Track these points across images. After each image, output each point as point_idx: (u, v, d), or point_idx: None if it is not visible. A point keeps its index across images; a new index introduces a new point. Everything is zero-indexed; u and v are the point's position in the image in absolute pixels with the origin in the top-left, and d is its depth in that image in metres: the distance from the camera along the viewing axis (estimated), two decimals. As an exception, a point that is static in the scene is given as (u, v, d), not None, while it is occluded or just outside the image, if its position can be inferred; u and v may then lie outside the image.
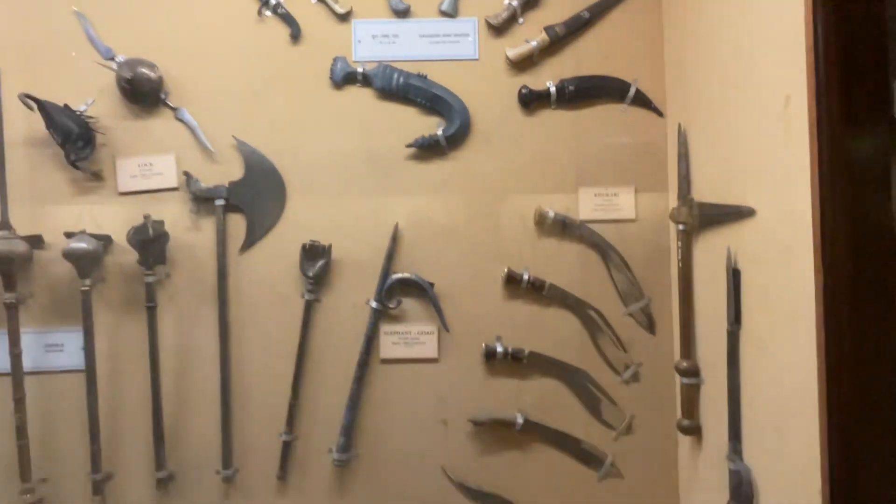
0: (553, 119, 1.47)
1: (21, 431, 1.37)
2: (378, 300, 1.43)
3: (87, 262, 1.36)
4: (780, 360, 1.02)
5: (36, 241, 1.40)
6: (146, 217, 1.36)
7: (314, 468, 1.44)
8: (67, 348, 1.41)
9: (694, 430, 1.32)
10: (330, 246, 1.43)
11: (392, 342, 1.44)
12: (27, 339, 1.38)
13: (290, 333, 1.43)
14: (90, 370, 1.38)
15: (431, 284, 1.44)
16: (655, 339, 1.47)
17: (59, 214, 1.41)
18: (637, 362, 1.46)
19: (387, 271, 1.44)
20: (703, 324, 1.33)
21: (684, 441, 1.41)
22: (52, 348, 1.41)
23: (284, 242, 1.44)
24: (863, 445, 0.93)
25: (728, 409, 1.17)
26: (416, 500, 1.45)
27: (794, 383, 0.96)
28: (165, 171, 1.41)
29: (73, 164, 1.38)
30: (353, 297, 1.44)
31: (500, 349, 1.43)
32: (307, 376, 1.44)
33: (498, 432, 1.45)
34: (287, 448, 1.42)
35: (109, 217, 1.40)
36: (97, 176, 1.41)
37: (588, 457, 1.46)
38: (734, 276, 1.17)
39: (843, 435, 0.92)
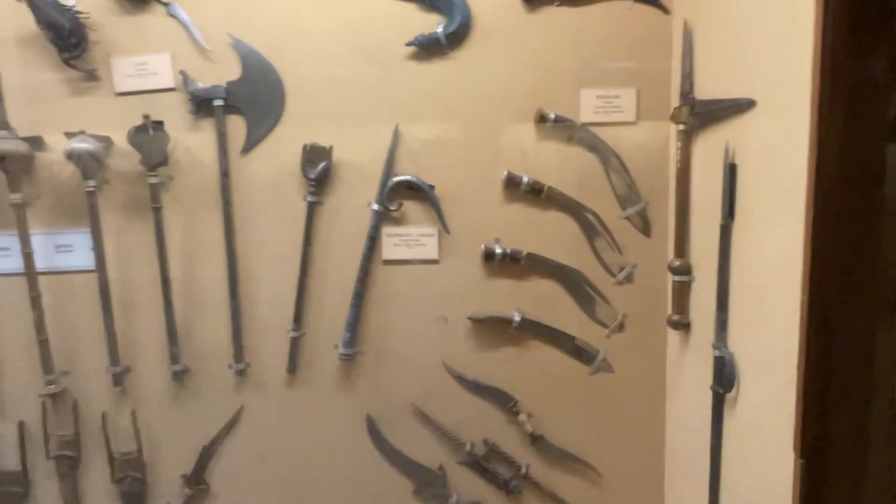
0: (556, 17, 1.43)
1: (40, 327, 1.44)
2: (379, 202, 1.45)
3: (91, 163, 1.37)
4: (769, 251, 1.06)
5: (36, 142, 1.40)
6: (146, 117, 1.36)
7: (321, 363, 1.52)
8: (77, 249, 1.45)
9: (683, 325, 1.39)
10: (331, 147, 1.43)
11: (394, 244, 1.48)
12: (37, 241, 1.42)
13: (294, 235, 1.47)
14: (101, 270, 1.43)
15: (432, 187, 1.46)
16: (650, 241, 1.50)
17: (57, 115, 1.40)
18: (632, 263, 1.51)
19: (388, 174, 1.46)
20: (697, 223, 1.36)
21: (673, 336, 1.49)
22: (62, 249, 1.45)
23: (284, 144, 1.44)
24: (840, 327, 0.99)
25: (716, 301, 1.22)
26: (416, 392, 1.55)
27: (780, 271, 1.00)
28: (161, 71, 1.39)
29: (68, 63, 1.36)
30: (354, 199, 1.46)
31: (498, 250, 1.47)
32: (312, 277, 1.49)
33: (496, 329, 1.52)
34: (295, 343, 1.49)
35: (108, 118, 1.40)
36: (93, 75, 1.39)
37: (581, 352, 1.55)
38: (730, 171, 1.19)
39: (821, 316, 0.97)
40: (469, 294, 1.52)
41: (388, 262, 1.49)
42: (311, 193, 1.44)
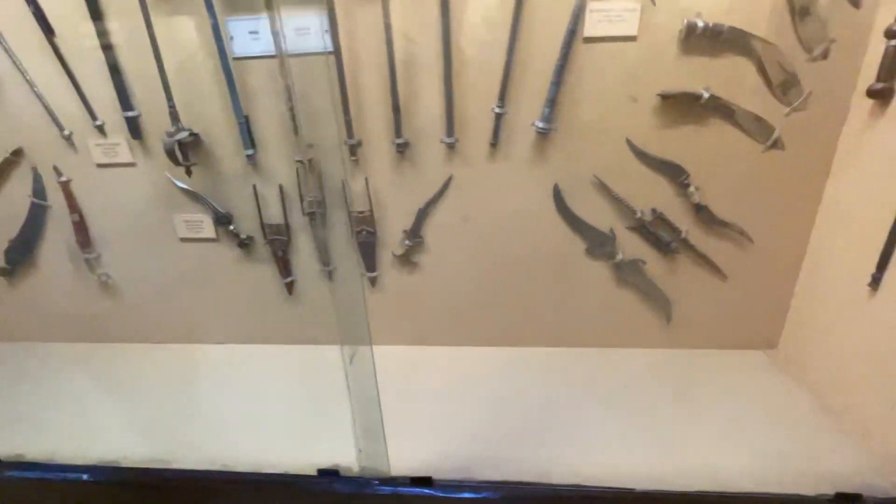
0: None
1: (289, 97, 1.75)
2: (588, -23, 1.52)
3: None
4: None
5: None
6: None
7: (519, 138, 1.76)
8: (313, 31, 1.67)
9: (887, 92, 1.44)
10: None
11: (597, 19, 1.57)
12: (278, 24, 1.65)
13: (504, 16, 1.60)
14: (337, 52, 1.65)
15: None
16: (858, 13, 1.51)
17: None
18: (831, 38, 1.54)
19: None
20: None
21: (860, 111, 1.56)
22: (301, 31, 1.68)
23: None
24: None
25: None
26: (599, 165, 1.78)
27: None
28: None
29: None
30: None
31: (700, 24, 1.53)
32: (518, 55, 1.65)
33: (681, 107, 1.66)
34: (499, 119, 1.73)
35: None
36: None
37: (758, 130, 1.68)
38: None
39: None
40: (661, 72, 1.63)
41: (588, 40, 1.61)
42: None
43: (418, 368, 2.07)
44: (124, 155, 1.91)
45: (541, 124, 1.72)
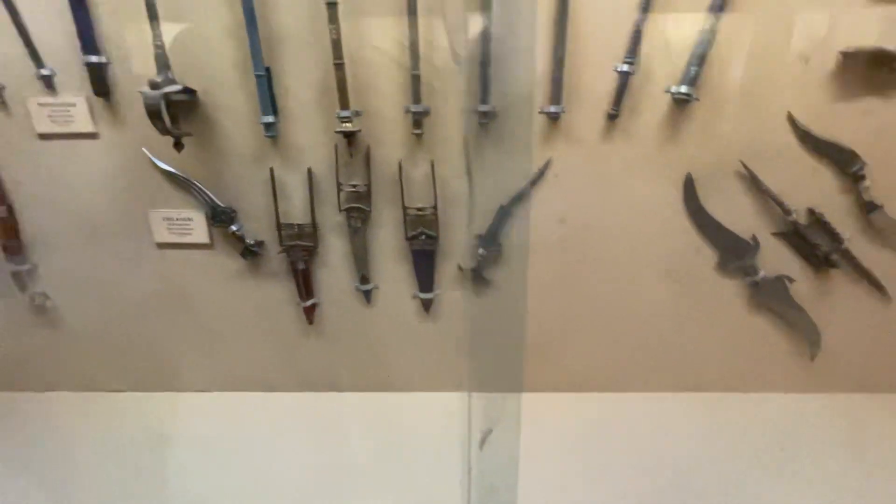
0: None
1: (337, 49, 1.24)
2: None
3: None
4: None
5: None
6: None
7: (647, 109, 1.28)
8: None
9: None
10: None
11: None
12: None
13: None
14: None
15: None
16: None
17: None
18: None
19: None
20: None
21: None
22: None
23: None
24: None
25: None
26: (748, 149, 1.33)
27: None
28: None
29: None
30: None
31: (912, -45, 1.17)
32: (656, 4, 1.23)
33: (866, 72, 1.25)
34: (624, 81, 1.24)
35: None
36: None
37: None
38: None
39: None
40: (843, 27, 1.22)
41: (748, -20, 1.22)
42: None
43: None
44: (82, 121, 1.32)
45: (683, 88, 1.27)
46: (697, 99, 1.29)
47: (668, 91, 1.28)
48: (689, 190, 1.40)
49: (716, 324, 1.55)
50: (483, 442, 0.97)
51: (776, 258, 1.47)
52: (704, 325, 1.54)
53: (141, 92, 1.18)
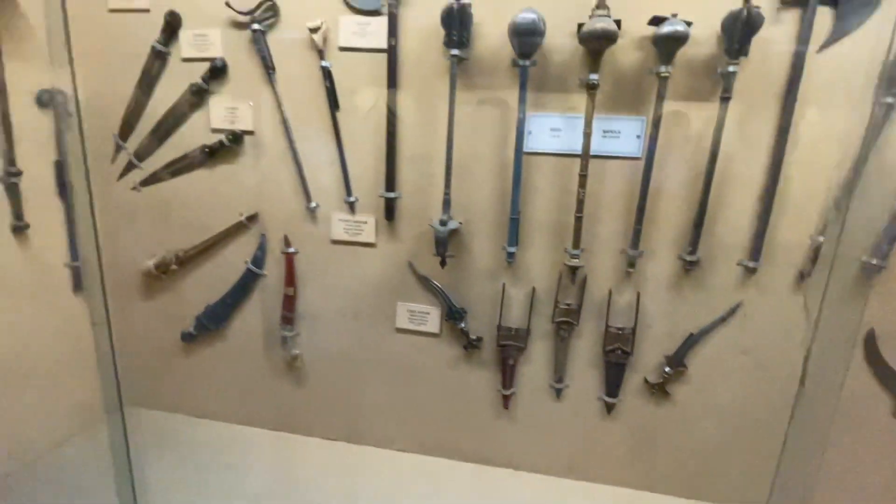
0: None
1: (580, 206, 1.59)
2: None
3: (676, 47, 1.41)
4: None
5: (618, 25, 1.43)
6: (746, 1, 1.35)
7: (838, 271, 1.50)
8: (623, 135, 1.56)
9: None
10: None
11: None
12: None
13: (849, 144, 1.43)
14: (649, 158, 1.48)
15: None
16: None
17: (635, 1, 1.43)
18: None
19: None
20: None
21: None
22: (609, 134, 1.57)
23: (870, 40, 1.36)
24: None
25: None
26: None
27: None
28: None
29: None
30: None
31: None
32: (854, 182, 1.47)
33: None
34: (816, 250, 1.50)
35: (687, 4, 1.40)
36: (685, -41, 1.41)
37: None
38: None
39: None
40: None
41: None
42: (893, 94, 1.34)
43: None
44: (368, 234, 1.77)
45: (874, 261, 1.51)
46: (886, 266, 1.49)
47: (860, 259, 1.50)
48: (871, 344, 1.56)
49: (882, 470, 1.63)
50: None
51: (955, 412, 1.58)
52: (871, 470, 1.63)
53: (433, 227, 1.60)
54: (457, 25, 1.49)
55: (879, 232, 1.47)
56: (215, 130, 1.80)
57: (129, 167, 1.92)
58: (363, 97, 1.67)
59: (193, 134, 1.83)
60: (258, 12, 1.66)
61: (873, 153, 1.41)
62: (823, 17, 1.38)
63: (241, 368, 2.04)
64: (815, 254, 1.52)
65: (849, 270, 1.51)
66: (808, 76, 1.41)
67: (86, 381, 1.95)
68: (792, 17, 1.39)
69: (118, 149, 1.91)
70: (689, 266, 1.59)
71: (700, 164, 1.50)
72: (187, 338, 2.04)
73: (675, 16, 1.38)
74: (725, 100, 1.43)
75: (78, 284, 1.94)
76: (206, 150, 1.81)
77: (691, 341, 1.67)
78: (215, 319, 2.00)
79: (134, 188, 1.93)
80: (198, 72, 1.75)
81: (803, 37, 1.38)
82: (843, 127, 1.43)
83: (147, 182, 1.91)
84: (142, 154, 1.89)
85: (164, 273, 1.97)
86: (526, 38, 1.45)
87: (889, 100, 1.37)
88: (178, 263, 1.95)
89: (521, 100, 1.51)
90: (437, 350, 1.85)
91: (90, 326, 1.94)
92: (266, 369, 2.03)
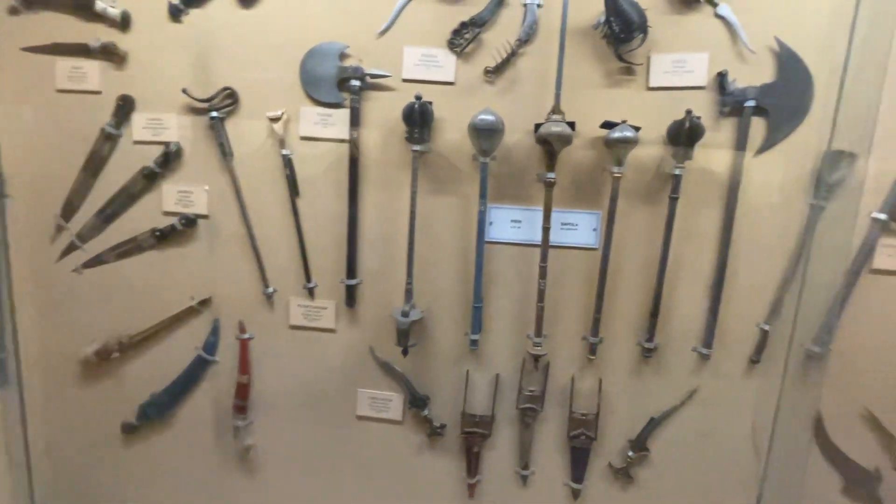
0: None
1: (541, 295, 1.60)
2: (887, 211, 1.48)
3: (626, 151, 1.48)
4: None
5: (572, 127, 1.49)
6: (688, 112, 1.42)
7: (783, 357, 1.60)
8: (581, 228, 1.60)
9: None
10: (854, 154, 1.44)
11: (888, 255, 1.51)
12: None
13: (787, 237, 1.52)
14: (606, 249, 1.52)
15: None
16: None
17: (589, 105, 1.50)
18: None
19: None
20: None
21: None
22: (567, 226, 1.61)
23: (800, 147, 1.48)
24: None
25: None
26: (873, 399, 1.57)
27: None
28: (697, 70, 1.45)
29: (620, 58, 1.46)
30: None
31: None
32: (798, 273, 1.55)
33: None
34: (765, 336, 1.57)
35: (637, 111, 1.48)
36: (633, 70, 1.49)
37: None
38: None
39: None
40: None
41: (876, 272, 1.54)
42: (823, 198, 1.46)
43: None
44: (328, 319, 1.71)
45: (815, 348, 1.58)
46: (830, 350, 1.57)
47: (803, 346, 1.58)
48: (819, 426, 1.63)
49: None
50: None
51: (898, 490, 1.65)
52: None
53: (395, 318, 1.57)
54: (418, 123, 1.52)
55: (821, 322, 1.58)
56: (167, 213, 1.73)
57: (71, 248, 1.81)
58: (323, 185, 1.66)
59: (143, 216, 1.75)
60: (216, 100, 1.65)
61: (814, 248, 1.54)
62: (758, 126, 1.49)
63: (189, 461, 1.89)
64: (762, 341, 1.62)
65: (798, 357, 1.61)
66: (746, 178, 1.51)
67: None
68: (730, 125, 1.50)
69: (59, 229, 1.82)
70: (648, 353, 1.63)
71: (654, 256, 1.56)
72: (128, 429, 1.89)
73: (624, 122, 1.48)
74: (674, 199, 1.51)
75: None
76: (157, 233, 1.74)
77: (652, 425, 1.69)
78: (160, 409, 1.86)
79: (75, 270, 1.83)
80: (150, 155, 1.69)
81: (740, 144, 1.50)
82: (781, 223, 1.53)
83: (89, 264, 1.80)
84: (85, 236, 1.79)
85: (106, 360, 1.84)
86: (485, 137, 1.49)
87: (821, 202, 1.49)
88: (120, 350, 1.82)
89: (482, 194, 1.54)
90: (399, 438, 1.79)
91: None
92: (216, 461, 1.89)
